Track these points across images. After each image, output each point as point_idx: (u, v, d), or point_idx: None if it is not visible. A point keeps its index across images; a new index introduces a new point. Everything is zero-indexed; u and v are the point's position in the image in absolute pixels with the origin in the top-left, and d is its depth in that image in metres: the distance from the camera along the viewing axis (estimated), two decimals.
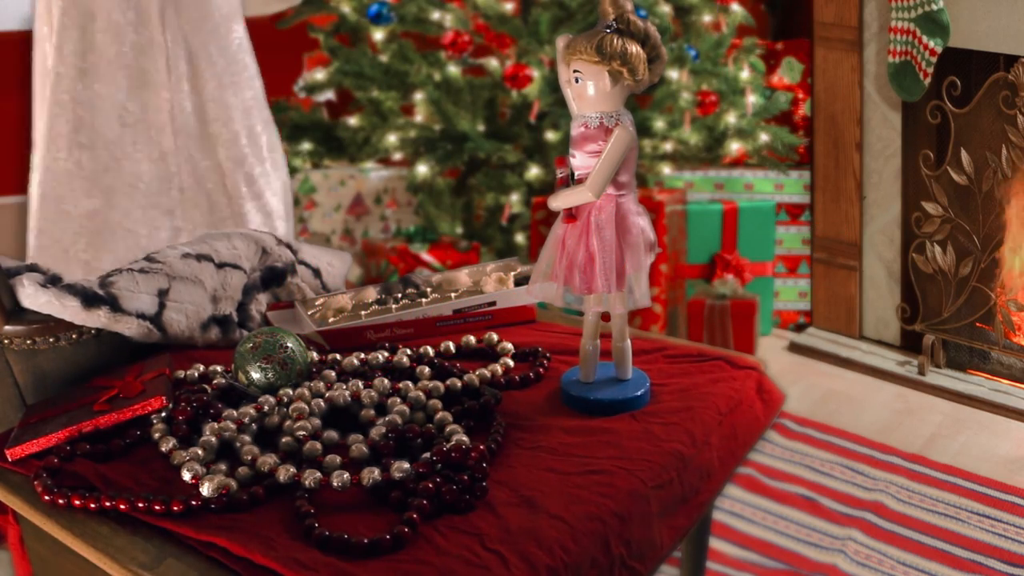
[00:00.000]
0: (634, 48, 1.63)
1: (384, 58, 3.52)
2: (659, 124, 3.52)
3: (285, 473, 1.54)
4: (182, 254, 2.01)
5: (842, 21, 3.37)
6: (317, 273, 2.19)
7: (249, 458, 1.58)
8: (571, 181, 1.69)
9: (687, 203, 3.55)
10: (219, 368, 1.84)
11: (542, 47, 3.48)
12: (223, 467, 1.57)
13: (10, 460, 1.64)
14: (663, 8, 3.46)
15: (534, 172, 3.44)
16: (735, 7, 3.56)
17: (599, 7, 1.67)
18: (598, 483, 1.55)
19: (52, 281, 1.87)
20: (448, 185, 3.62)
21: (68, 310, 1.83)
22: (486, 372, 1.82)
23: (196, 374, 1.83)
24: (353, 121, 3.59)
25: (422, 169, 3.49)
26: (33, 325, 1.84)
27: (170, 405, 1.69)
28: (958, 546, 2.55)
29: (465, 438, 1.61)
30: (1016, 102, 3.01)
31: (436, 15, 3.51)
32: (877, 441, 2.97)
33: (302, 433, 1.62)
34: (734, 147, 3.56)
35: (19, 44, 4.27)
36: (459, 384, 1.77)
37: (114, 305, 1.87)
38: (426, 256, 3.51)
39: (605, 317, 1.76)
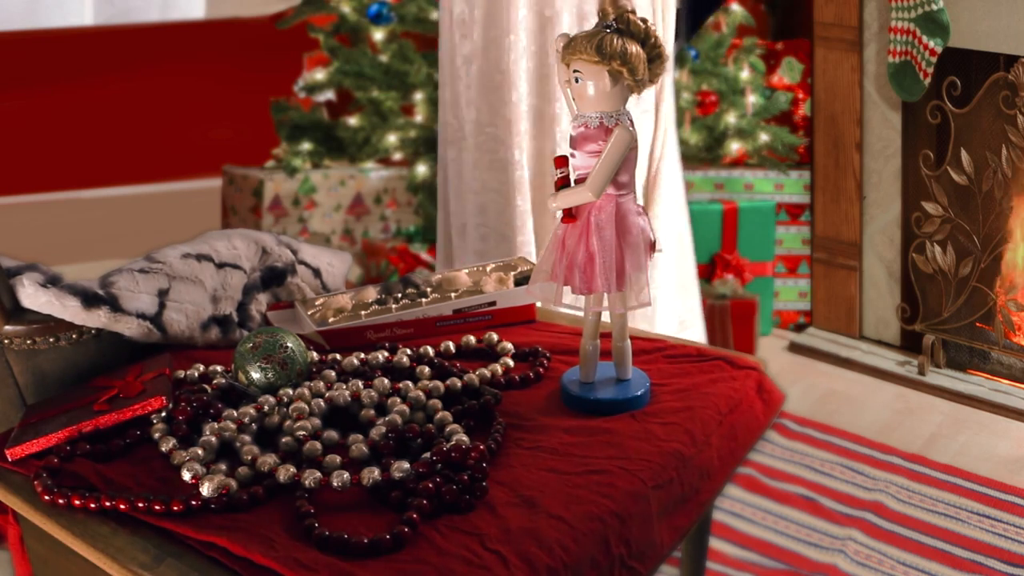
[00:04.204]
0: (634, 48, 1.63)
1: (384, 58, 3.52)
2: None
3: (285, 473, 1.54)
4: (182, 254, 2.00)
5: (842, 21, 3.37)
6: (317, 273, 2.18)
7: (249, 458, 1.58)
8: (571, 181, 1.69)
9: (687, 203, 3.54)
10: (219, 368, 1.84)
11: None
12: (223, 467, 1.57)
13: (10, 460, 1.64)
14: None
15: None
16: (735, 7, 3.56)
17: (599, 7, 1.67)
18: (598, 483, 1.55)
19: (52, 281, 1.87)
20: None
21: (68, 310, 1.83)
22: (486, 372, 1.82)
23: (196, 374, 1.83)
24: (353, 121, 3.59)
25: (422, 169, 3.49)
26: (33, 325, 1.84)
27: (170, 405, 1.69)
28: (958, 546, 2.55)
29: (465, 438, 1.61)
30: (1016, 102, 3.01)
31: (436, 15, 3.51)
32: (877, 441, 2.97)
33: (302, 433, 1.62)
34: (734, 147, 3.56)
35: (19, 44, 4.27)
36: (459, 384, 1.76)
37: (114, 305, 1.87)
38: (426, 256, 3.51)
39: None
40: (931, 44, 3.10)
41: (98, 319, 1.85)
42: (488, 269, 2.18)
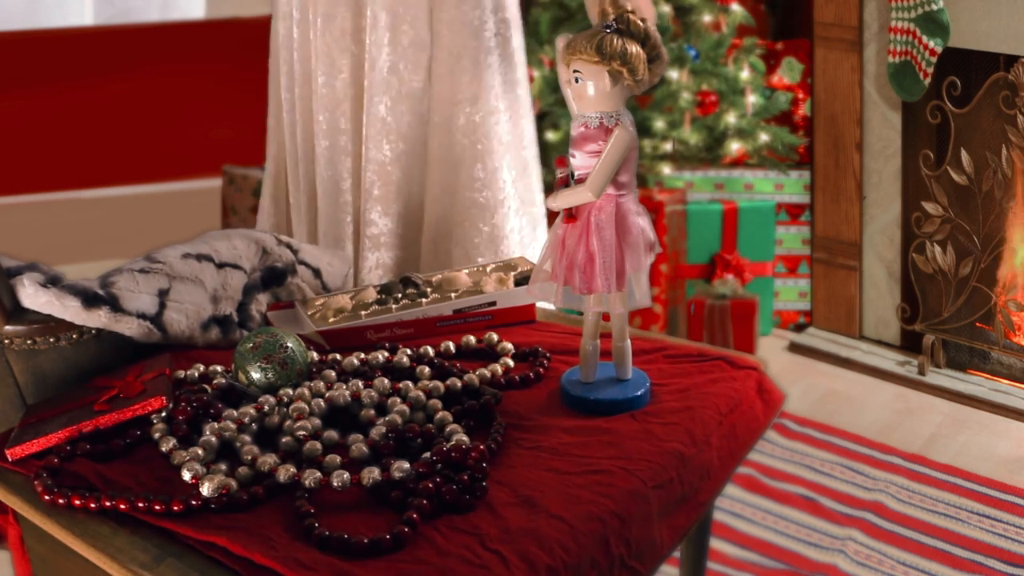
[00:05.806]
0: (634, 48, 1.63)
1: None
2: (659, 124, 3.52)
3: (285, 473, 1.54)
4: (182, 254, 2.01)
5: (842, 21, 3.37)
6: (317, 273, 2.19)
7: (249, 458, 1.58)
8: (571, 181, 1.69)
9: (687, 203, 3.55)
10: (219, 368, 1.84)
11: (542, 47, 3.47)
12: (223, 467, 1.57)
13: (10, 460, 1.64)
14: (663, 8, 3.46)
15: None
16: (735, 7, 3.56)
17: (599, 7, 1.67)
18: (598, 483, 1.55)
19: (52, 281, 1.87)
20: None
21: (68, 310, 1.83)
22: (486, 372, 1.82)
23: (196, 374, 1.83)
24: None
25: None
26: (33, 325, 1.84)
27: (170, 405, 1.69)
28: (958, 546, 2.55)
29: (465, 438, 1.61)
30: (1016, 102, 3.01)
31: None
32: (877, 441, 2.97)
33: (302, 433, 1.62)
34: (734, 147, 3.56)
35: (19, 44, 4.27)
36: (459, 384, 1.77)
37: (114, 305, 1.87)
38: None
39: (605, 317, 1.76)
40: (931, 44, 3.10)
41: (98, 319, 1.85)
42: (488, 269, 2.19)
